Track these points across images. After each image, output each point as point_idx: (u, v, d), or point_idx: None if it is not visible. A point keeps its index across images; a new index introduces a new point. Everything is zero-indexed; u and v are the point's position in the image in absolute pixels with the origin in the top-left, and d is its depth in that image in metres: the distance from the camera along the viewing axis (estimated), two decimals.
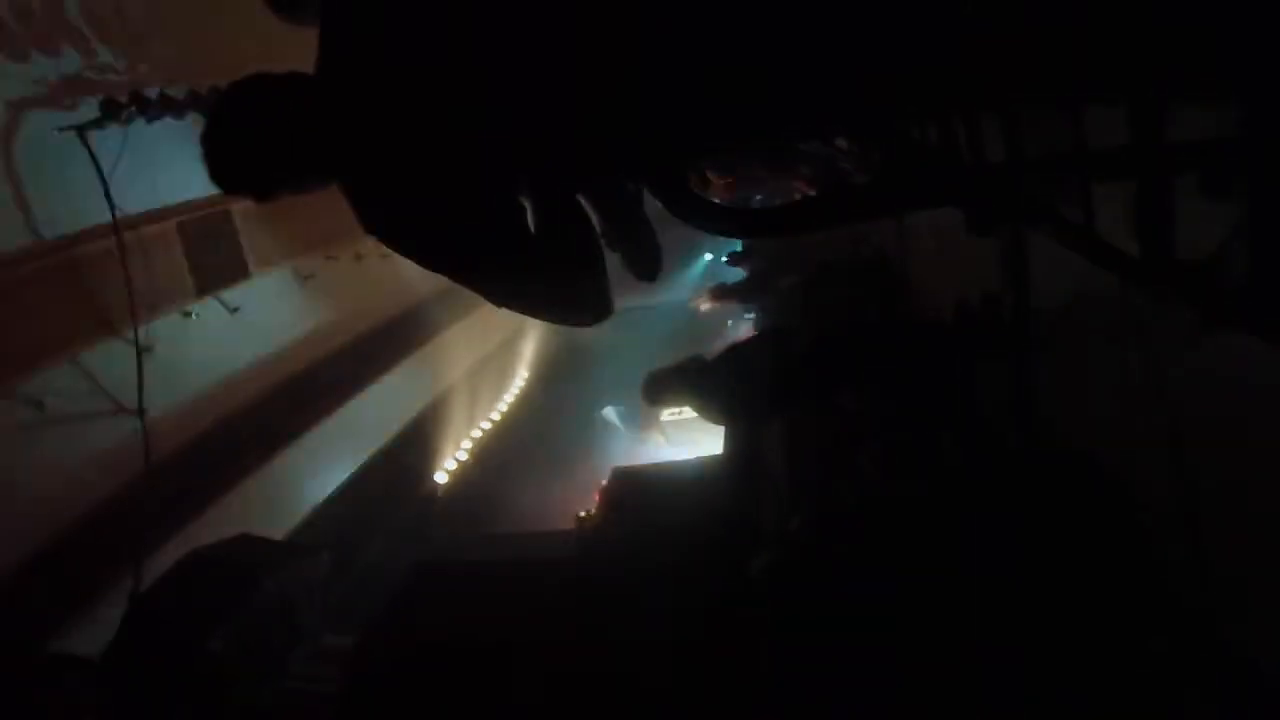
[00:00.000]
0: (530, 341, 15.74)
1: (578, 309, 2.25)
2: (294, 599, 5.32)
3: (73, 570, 5.31)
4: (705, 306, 10.37)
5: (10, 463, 5.12)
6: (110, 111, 5.64)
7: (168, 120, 5.84)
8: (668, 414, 13.99)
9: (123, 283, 5.85)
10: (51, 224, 5.54)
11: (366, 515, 9.17)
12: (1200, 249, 1.90)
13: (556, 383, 16.10)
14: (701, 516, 5.48)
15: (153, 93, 5.81)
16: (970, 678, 2.91)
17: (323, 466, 8.47)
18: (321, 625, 5.66)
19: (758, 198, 7.25)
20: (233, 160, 2.19)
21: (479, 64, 1.87)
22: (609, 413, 14.97)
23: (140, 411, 5.95)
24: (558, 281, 2.14)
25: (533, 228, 2.07)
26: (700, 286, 13.01)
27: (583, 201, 2.18)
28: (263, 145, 2.14)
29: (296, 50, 2.17)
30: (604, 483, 7.15)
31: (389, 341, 9.99)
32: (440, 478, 11.86)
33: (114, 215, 5.74)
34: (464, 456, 12.50)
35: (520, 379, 15.60)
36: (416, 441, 11.06)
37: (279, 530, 7.09)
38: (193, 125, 5.80)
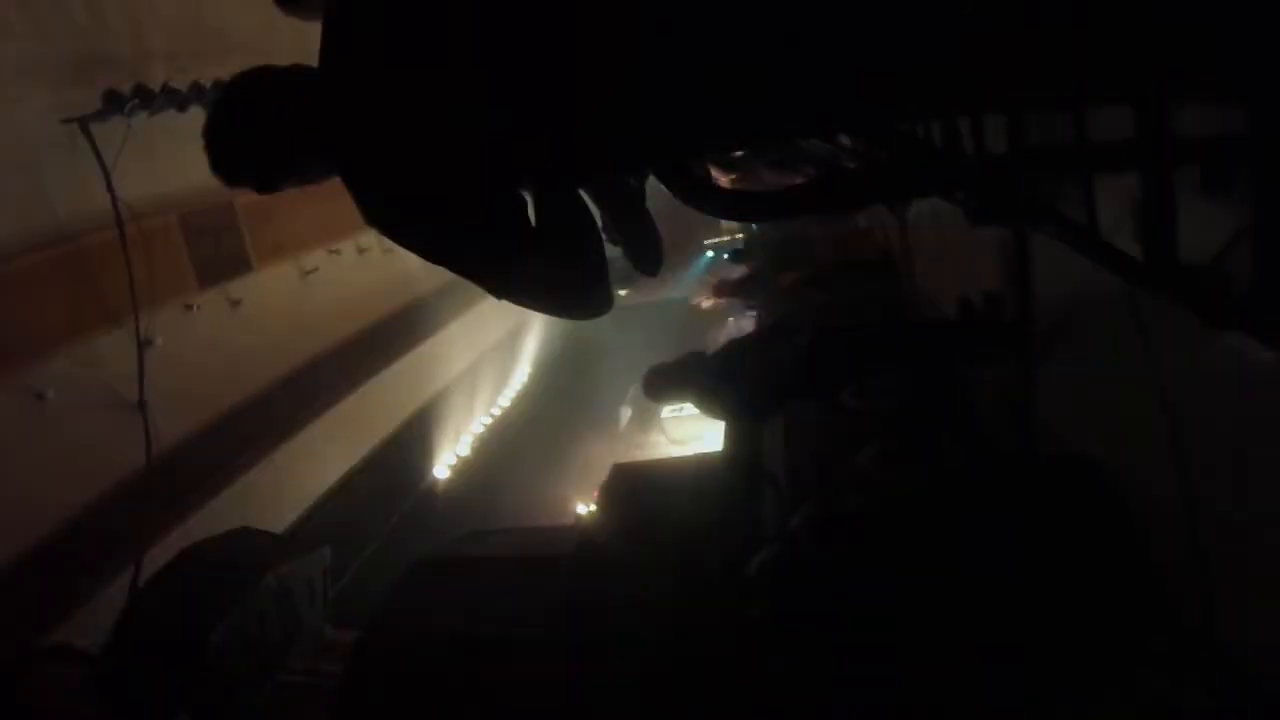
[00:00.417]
0: (532, 337, 15.75)
1: (578, 302, 2.25)
2: (294, 593, 5.33)
3: (73, 562, 5.31)
4: (707, 304, 10.37)
5: (11, 454, 5.12)
6: (113, 103, 5.64)
7: (170, 112, 5.84)
8: (668, 411, 14.02)
9: (125, 275, 5.84)
10: (54, 216, 5.54)
11: (367, 510, 9.18)
12: (1202, 251, 1.90)
13: (558, 379, 16.12)
14: (701, 514, 5.48)
15: (155, 85, 5.81)
16: (970, 677, 2.91)
17: (324, 460, 8.48)
18: (321, 619, 5.67)
19: None
20: (235, 152, 2.19)
21: (480, 60, 1.87)
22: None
23: (141, 404, 5.95)
24: (558, 275, 2.15)
25: (534, 221, 2.07)
26: (702, 283, 13.02)
27: (584, 195, 2.18)
28: (265, 138, 2.14)
29: (300, 43, 2.17)
30: (604, 479, 7.15)
31: (391, 336, 9.99)
32: (441, 473, 11.87)
33: (116, 207, 5.74)
34: (465, 452, 12.51)
35: (522, 374, 15.61)
36: (417, 436, 11.07)
37: (280, 524, 7.10)
38: (196, 117, 5.81)
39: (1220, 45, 1.56)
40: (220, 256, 7.14)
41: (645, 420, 14.76)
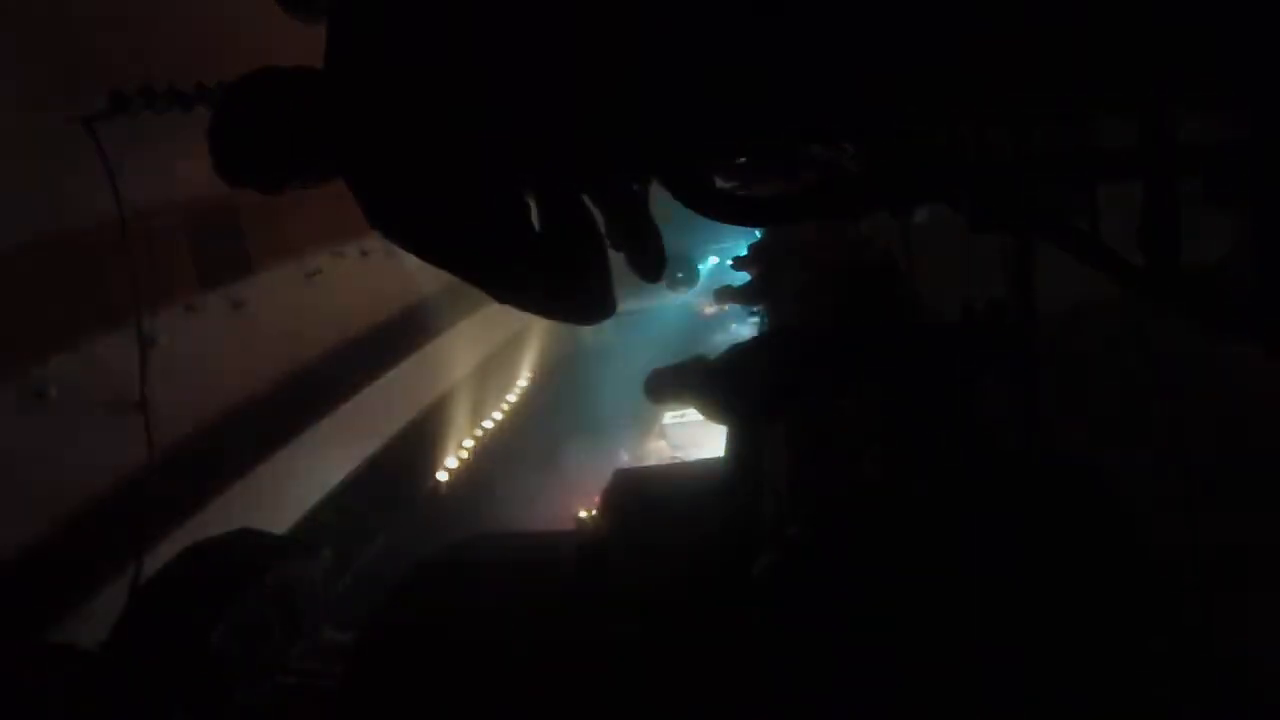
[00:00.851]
0: (534, 341, 15.75)
1: (580, 307, 2.26)
2: (295, 594, 5.32)
3: (73, 561, 5.32)
4: (709, 309, 10.37)
5: (12, 453, 5.13)
6: (118, 104, 5.64)
7: (175, 113, 5.85)
8: (670, 416, 14.02)
9: (127, 275, 5.85)
10: (57, 215, 5.55)
11: (368, 512, 9.18)
12: (1204, 258, 1.90)
13: (559, 383, 16.11)
14: (702, 518, 5.47)
15: (160, 86, 5.81)
16: (970, 680, 2.91)
17: (325, 462, 8.47)
18: (322, 621, 5.66)
19: None
20: (239, 154, 2.20)
21: (481, 61, 1.88)
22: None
23: (143, 404, 5.95)
24: (560, 279, 2.15)
25: (537, 225, 2.07)
26: (705, 289, 13.02)
27: (588, 201, 2.18)
28: (269, 140, 2.15)
29: (305, 46, 2.18)
30: (605, 484, 7.14)
31: (393, 338, 9.99)
32: (442, 476, 11.87)
33: (120, 207, 5.74)
34: (467, 455, 12.51)
35: (523, 379, 15.60)
36: (419, 439, 11.06)
37: (281, 525, 7.10)
38: (200, 119, 5.81)
39: (1221, 48, 1.56)
40: (223, 257, 7.14)
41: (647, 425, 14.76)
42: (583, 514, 10.81)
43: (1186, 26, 1.55)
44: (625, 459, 13.18)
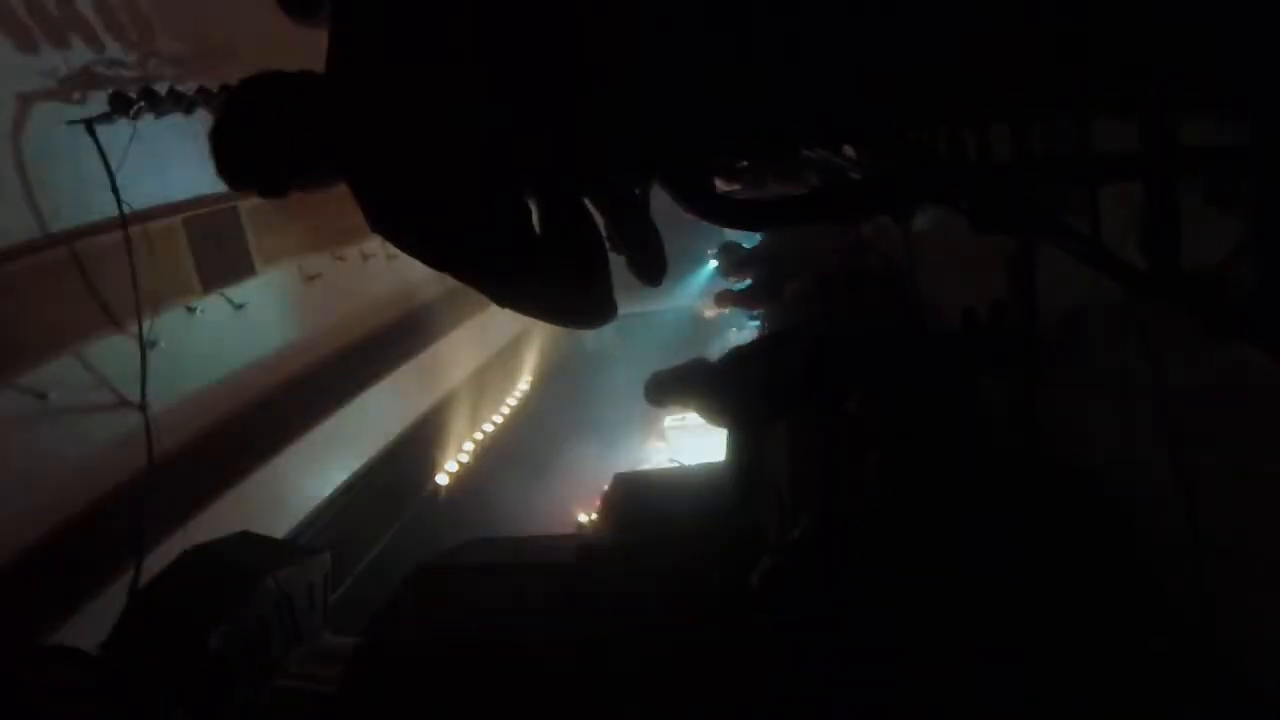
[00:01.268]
0: (534, 345, 15.75)
1: (581, 311, 2.26)
2: (294, 598, 5.32)
3: (73, 563, 5.31)
4: (710, 313, 10.37)
5: (12, 455, 5.13)
6: (119, 106, 5.65)
7: (177, 116, 5.85)
8: (670, 420, 14.01)
9: (128, 277, 5.85)
10: (58, 217, 5.55)
11: (368, 515, 9.17)
12: (1205, 260, 1.90)
13: (559, 386, 16.11)
14: (703, 522, 5.47)
15: (162, 88, 5.82)
16: (971, 681, 2.91)
17: (325, 466, 8.47)
18: (321, 625, 5.66)
19: None
20: (241, 157, 2.20)
21: (481, 63, 1.88)
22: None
23: (143, 406, 5.95)
24: (561, 283, 2.15)
25: (538, 229, 2.07)
26: (706, 292, 13.02)
27: (589, 204, 2.18)
28: (271, 142, 2.15)
29: (306, 49, 2.18)
30: (605, 488, 7.15)
31: (393, 342, 9.99)
32: (442, 479, 11.86)
33: (121, 210, 5.74)
34: (467, 459, 12.50)
35: (524, 382, 15.60)
36: (419, 443, 11.06)
37: (280, 529, 7.09)
38: (201, 121, 5.82)
39: (1221, 48, 1.56)
40: (224, 260, 7.14)
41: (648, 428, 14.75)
42: (582, 518, 10.81)
43: (1186, 27, 1.55)
44: (625, 463, 13.17)
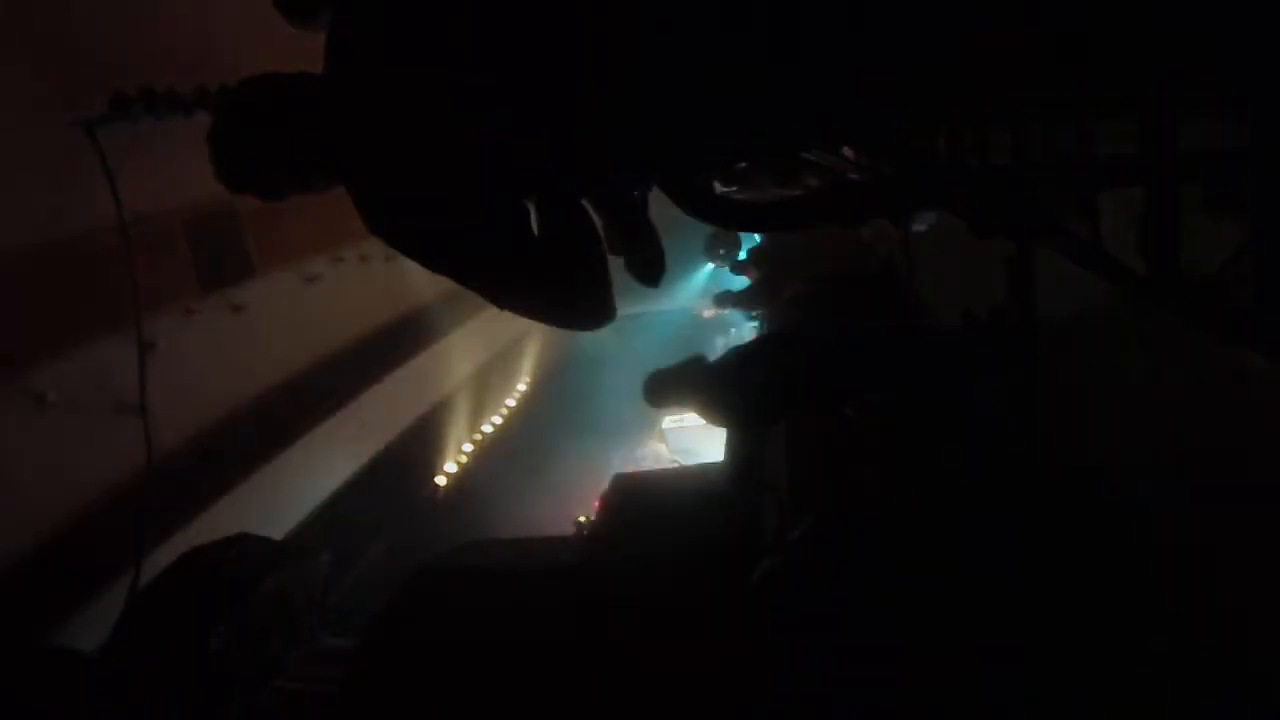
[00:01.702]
0: (533, 346, 15.75)
1: (579, 313, 2.25)
2: (293, 599, 5.32)
3: (72, 565, 5.31)
4: (709, 314, 10.37)
5: (11, 457, 5.13)
6: (119, 108, 5.64)
7: (176, 118, 5.85)
8: (670, 420, 14.01)
9: (127, 279, 5.85)
10: (58, 218, 5.55)
11: (366, 517, 9.17)
12: (1205, 265, 1.90)
13: (558, 387, 16.12)
14: (702, 524, 5.47)
15: (161, 90, 5.82)
16: (971, 682, 2.91)
17: (324, 467, 8.47)
18: (320, 626, 5.66)
19: None
20: (240, 160, 2.20)
21: (479, 64, 1.88)
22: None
23: (142, 408, 5.95)
24: (560, 285, 2.15)
25: (536, 230, 2.07)
26: (704, 294, 13.03)
27: (587, 206, 2.18)
28: (269, 145, 2.15)
29: (305, 51, 2.18)
30: (605, 488, 7.14)
31: (392, 344, 9.98)
32: (441, 480, 11.87)
33: (120, 211, 5.74)
34: (466, 460, 12.51)
35: (522, 383, 15.61)
36: (418, 444, 11.06)
37: (279, 530, 7.08)
38: (201, 123, 5.81)
39: (1221, 50, 1.56)
40: (223, 261, 7.14)
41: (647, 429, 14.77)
42: (582, 519, 10.82)
43: (1187, 27, 1.55)
44: (624, 463, 13.17)
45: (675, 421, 14.00)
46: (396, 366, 9.98)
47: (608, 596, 4.92)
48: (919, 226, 5.82)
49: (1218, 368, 2.34)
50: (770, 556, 3.71)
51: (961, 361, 4.40)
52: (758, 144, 2.24)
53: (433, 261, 2.11)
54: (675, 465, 12.61)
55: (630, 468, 11.27)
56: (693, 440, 13.43)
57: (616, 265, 2.28)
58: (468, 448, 12.71)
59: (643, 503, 6.31)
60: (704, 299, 12.34)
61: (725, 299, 9.89)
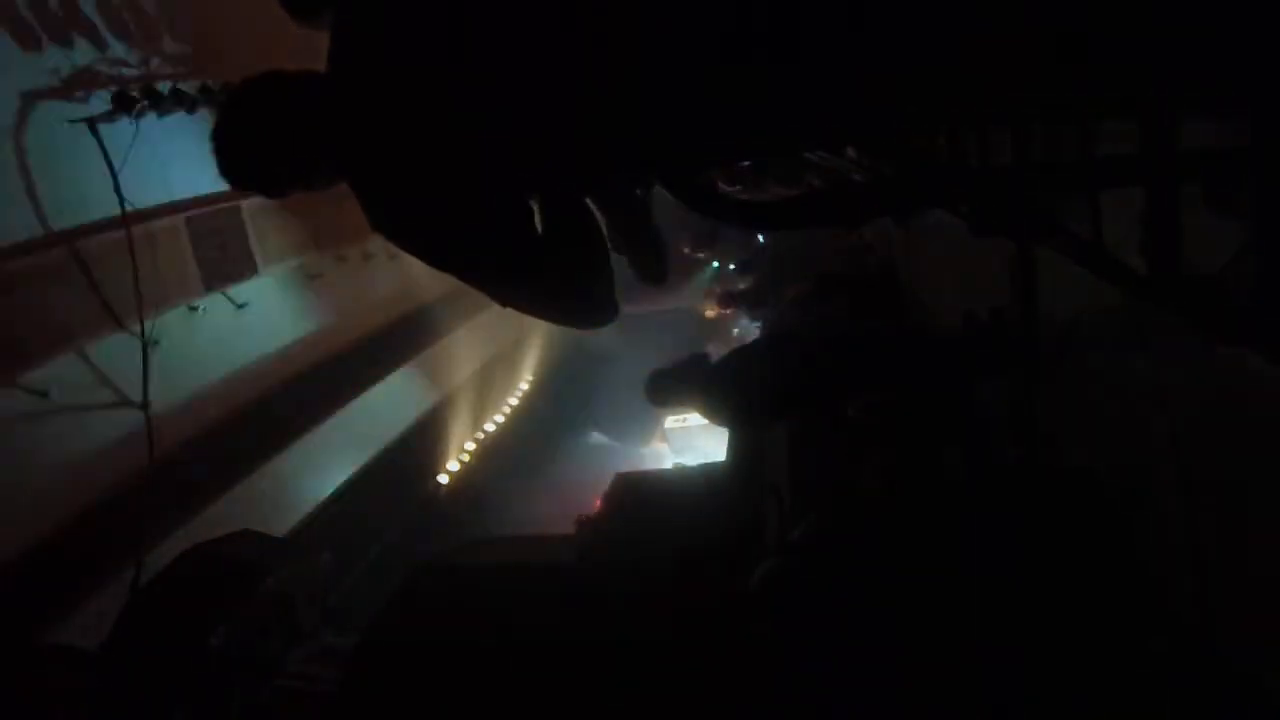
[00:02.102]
0: (536, 345, 15.75)
1: (582, 311, 2.26)
2: (294, 597, 5.31)
3: (74, 562, 5.32)
4: (711, 314, 10.38)
5: (14, 453, 5.14)
6: (122, 105, 5.66)
7: (179, 115, 5.86)
8: (672, 419, 14.02)
9: (130, 276, 5.85)
10: (60, 216, 5.56)
11: (368, 515, 9.17)
12: (1206, 265, 1.90)
13: (561, 386, 16.11)
14: (703, 524, 5.47)
15: (165, 87, 5.83)
16: (971, 685, 2.91)
17: (325, 465, 8.47)
18: (321, 624, 5.66)
19: None
20: (243, 157, 2.20)
21: (482, 63, 1.88)
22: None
23: (145, 405, 5.96)
24: (563, 283, 2.15)
25: (540, 229, 2.07)
26: (707, 293, 13.04)
27: (591, 205, 2.18)
28: (273, 142, 2.15)
29: (308, 49, 2.18)
30: (606, 488, 7.14)
31: (395, 342, 9.99)
32: (443, 479, 11.87)
33: (123, 208, 5.75)
34: (467, 459, 12.51)
35: (525, 382, 15.60)
36: (419, 442, 11.06)
37: (281, 528, 7.09)
38: (204, 120, 5.82)
39: (1221, 49, 1.56)
40: (226, 259, 7.15)
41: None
42: (582, 518, 10.81)
43: (1187, 27, 1.55)
44: (625, 462, 13.17)
45: (677, 421, 14.00)
46: (399, 364, 9.99)
47: (608, 595, 4.92)
48: (919, 226, 5.83)
49: (1218, 368, 2.34)
50: (771, 556, 3.71)
51: (961, 361, 4.40)
52: (758, 144, 2.24)
53: (436, 260, 2.11)
54: (677, 465, 12.62)
55: (632, 467, 11.28)
56: (695, 440, 13.44)
57: (619, 264, 2.28)
58: (470, 446, 12.71)
59: (644, 502, 6.31)
60: (707, 298, 12.36)
61: (727, 299, 9.90)
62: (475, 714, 4.47)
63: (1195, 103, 1.78)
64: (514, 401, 14.90)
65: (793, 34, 1.72)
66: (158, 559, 5.37)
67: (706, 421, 5.01)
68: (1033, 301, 3.91)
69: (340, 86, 2.03)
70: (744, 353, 4.77)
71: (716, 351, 5.60)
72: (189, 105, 5.84)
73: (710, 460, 8.42)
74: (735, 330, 13.72)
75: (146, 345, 6.00)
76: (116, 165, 5.67)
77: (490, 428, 13.61)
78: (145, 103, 5.72)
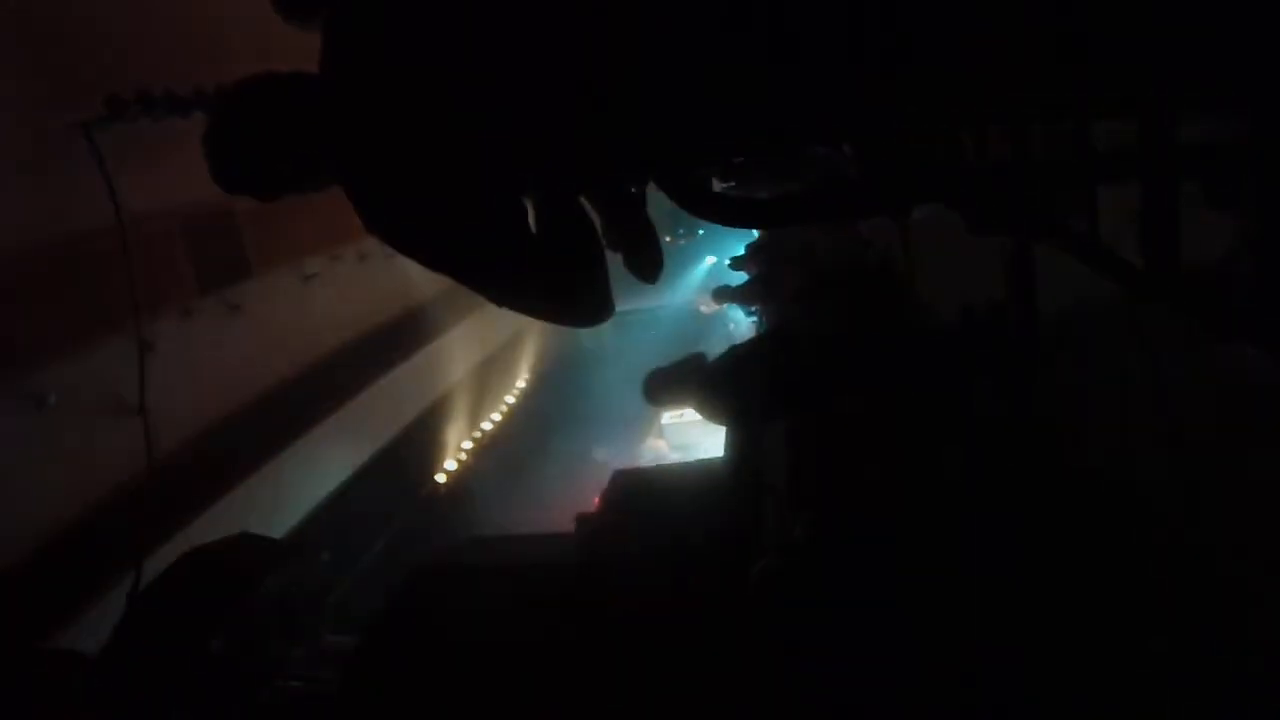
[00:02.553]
0: (532, 343, 15.74)
1: (578, 309, 2.25)
2: (294, 599, 5.31)
3: (72, 567, 5.31)
4: (708, 309, 10.37)
5: (10, 459, 5.12)
6: (116, 109, 5.63)
7: (173, 119, 5.84)
8: (669, 417, 14.01)
9: (125, 280, 5.84)
10: (55, 221, 5.54)
11: (367, 515, 9.17)
12: (1204, 261, 1.90)
13: (558, 384, 16.11)
14: (702, 521, 5.47)
15: (158, 91, 5.81)
16: (971, 684, 2.91)
17: (323, 466, 8.46)
18: (321, 625, 5.66)
19: None
20: (235, 161, 2.19)
21: (478, 63, 1.88)
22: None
23: (142, 409, 5.94)
24: (558, 282, 2.15)
25: (534, 228, 2.07)
26: (703, 289, 13.04)
27: (585, 203, 2.18)
28: (265, 146, 2.14)
29: (301, 50, 2.17)
30: (605, 485, 7.14)
31: (391, 342, 9.98)
32: (441, 478, 11.86)
33: (118, 212, 5.73)
34: (465, 457, 12.50)
35: (522, 380, 15.60)
36: (418, 442, 11.06)
37: (279, 529, 7.08)
38: (198, 124, 5.80)
39: (1221, 48, 1.56)
40: (221, 261, 7.13)
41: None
42: (583, 515, 10.81)
43: (1186, 27, 1.55)
44: (624, 460, 13.17)
45: (675, 417, 14.00)
46: (396, 364, 9.98)
47: (608, 593, 4.92)
48: (917, 223, 5.82)
49: (1218, 366, 2.34)
50: (770, 554, 3.71)
51: (960, 358, 4.39)
52: (757, 143, 2.24)
53: (431, 260, 2.10)
54: (675, 461, 12.60)
55: (630, 464, 11.28)
56: (693, 436, 13.43)
57: (615, 261, 2.28)
58: (467, 445, 12.70)
59: (643, 499, 6.31)
60: (703, 294, 12.36)
61: (724, 294, 9.89)
62: (475, 714, 4.47)
63: (1195, 102, 1.78)
64: (511, 400, 14.90)
65: (792, 33, 1.72)
66: (157, 563, 5.36)
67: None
68: (1031, 299, 3.91)
69: (334, 88, 2.02)
70: (741, 351, 4.77)
71: (713, 348, 5.59)
72: (183, 109, 5.82)
73: (708, 456, 8.42)
74: (732, 326, 13.73)
75: (143, 349, 5.99)
76: (110, 169, 5.65)
77: (488, 426, 13.61)
78: (139, 106, 5.69)
